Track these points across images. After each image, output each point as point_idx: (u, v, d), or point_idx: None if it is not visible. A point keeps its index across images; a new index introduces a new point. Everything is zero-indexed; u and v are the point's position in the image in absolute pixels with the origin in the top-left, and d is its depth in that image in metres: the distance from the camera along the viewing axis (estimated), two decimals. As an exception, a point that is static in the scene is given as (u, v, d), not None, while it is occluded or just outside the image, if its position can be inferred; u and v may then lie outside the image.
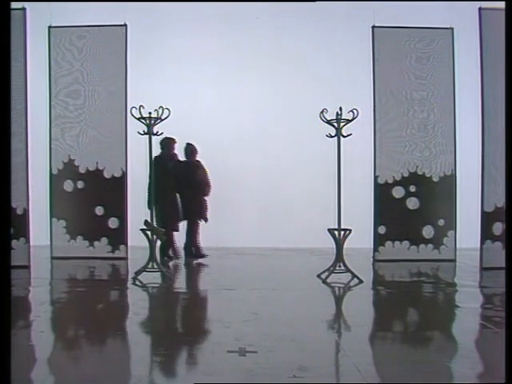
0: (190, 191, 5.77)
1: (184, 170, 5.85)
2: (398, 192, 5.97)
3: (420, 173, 5.97)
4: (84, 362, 2.73)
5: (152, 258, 4.85)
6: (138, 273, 4.84)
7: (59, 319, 3.58)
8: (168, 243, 5.75)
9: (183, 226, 5.96)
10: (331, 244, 4.92)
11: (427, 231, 5.97)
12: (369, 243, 6.03)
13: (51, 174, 6.05)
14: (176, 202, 5.82)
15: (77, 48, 6.00)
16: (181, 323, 3.51)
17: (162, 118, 4.84)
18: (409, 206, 5.96)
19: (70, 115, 6.04)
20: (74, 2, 6.07)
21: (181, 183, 5.80)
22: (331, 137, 4.86)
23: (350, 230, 4.80)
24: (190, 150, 5.92)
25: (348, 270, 4.81)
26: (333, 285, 4.63)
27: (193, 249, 5.96)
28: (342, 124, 4.79)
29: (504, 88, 3.61)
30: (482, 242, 5.49)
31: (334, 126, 4.82)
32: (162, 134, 4.95)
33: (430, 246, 5.99)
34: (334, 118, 4.79)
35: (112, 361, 2.75)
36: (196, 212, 5.84)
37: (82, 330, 3.33)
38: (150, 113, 4.81)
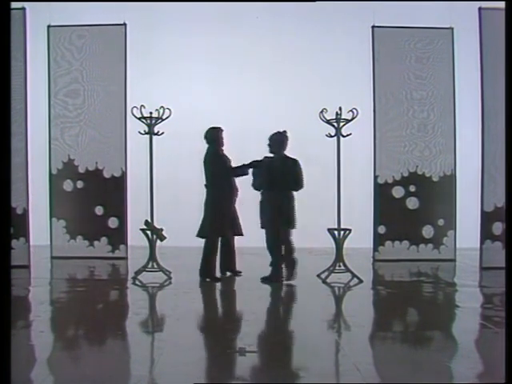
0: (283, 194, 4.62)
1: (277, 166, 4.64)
2: (397, 192, 5.98)
3: (420, 172, 5.98)
4: (84, 361, 2.72)
5: (152, 257, 4.85)
6: (137, 272, 4.84)
7: (59, 319, 3.57)
8: (233, 255, 4.92)
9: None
10: (331, 244, 4.92)
11: (427, 231, 5.97)
12: (369, 243, 6.03)
13: (51, 174, 6.06)
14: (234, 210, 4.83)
15: (76, 47, 6.01)
16: (180, 322, 3.51)
17: (163, 117, 4.84)
18: (408, 206, 5.97)
19: (69, 115, 6.05)
20: (73, 1, 6.07)
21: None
22: (331, 136, 4.86)
23: (350, 230, 4.81)
24: (281, 140, 4.68)
25: (348, 270, 4.81)
26: (333, 285, 4.63)
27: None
28: (341, 124, 4.79)
29: (504, 88, 3.61)
30: (482, 242, 5.50)
31: (333, 125, 4.82)
32: (162, 133, 4.94)
33: (430, 245, 5.99)
34: (334, 117, 4.78)
35: (111, 361, 2.75)
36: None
37: (81, 329, 3.33)
38: (151, 112, 4.81)
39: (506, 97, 3.39)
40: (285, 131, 4.78)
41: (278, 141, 4.74)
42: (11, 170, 4.60)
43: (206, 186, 4.79)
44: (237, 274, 4.98)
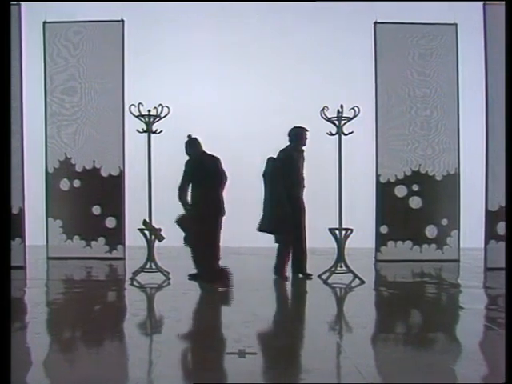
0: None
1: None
2: (400, 191, 5.97)
3: (423, 171, 5.97)
4: (81, 364, 2.71)
5: (150, 258, 4.84)
6: (135, 273, 4.83)
7: (55, 321, 3.56)
8: (304, 257, 4.95)
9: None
10: (332, 244, 4.91)
11: (430, 231, 5.96)
12: (371, 243, 6.03)
13: (47, 173, 6.05)
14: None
15: (73, 44, 5.99)
16: (182, 323, 3.50)
17: (162, 115, 4.83)
18: (411, 206, 5.96)
19: (66, 113, 6.04)
20: (72, 1, 6.03)
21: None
22: (332, 135, 4.84)
23: (352, 230, 4.80)
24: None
25: (349, 271, 4.79)
26: (334, 285, 4.62)
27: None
28: (343, 122, 4.78)
29: (504, 87, 3.59)
30: (487, 242, 5.48)
31: (334, 123, 4.81)
32: (161, 131, 4.93)
33: (433, 245, 5.98)
34: (335, 115, 4.78)
35: (109, 363, 2.74)
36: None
37: (78, 331, 3.31)
38: (149, 110, 4.80)
39: (506, 97, 3.38)
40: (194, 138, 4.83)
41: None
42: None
43: (274, 181, 4.85)
44: (308, 276, 4.91)
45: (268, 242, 5.69)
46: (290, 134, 5.00)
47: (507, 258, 2.93)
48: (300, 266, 4.95)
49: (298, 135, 4.96)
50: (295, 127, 5.00)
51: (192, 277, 4.81)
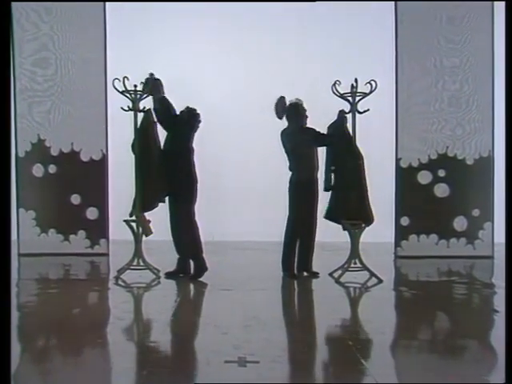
0: None
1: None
2: (424, 177, 5.96)
3: (451, 154, 5.95)
4: (57, 377, 2.70)
5: (137, 253, 4.84)
6: (121, 271, 4.84)
7: (28, 327, 3.56)
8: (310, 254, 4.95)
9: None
10: (345, 238, 4.91)
11: (459, 223, 5.97)
12: (390, 237, 6.05)
13: (17, 157, 6.05)
14: None
15: (44, 8, 5.95)
16: (175, 328, 3.49)
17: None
18: (437, 194, 5.96)
19: (38, 88, 6.01)
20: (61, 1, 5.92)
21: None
22: (345, 113, 4.81)
23: (368, 222, 4.80)
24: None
25: (365, 268, 4.80)
26: (347, 285, 4.63)
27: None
28: (357, 98, 4.76)
29: (504, 86, 3.57)
30: (524, 236, 5.47)
31: (348, 100, 4.80)
32: (149, 110, 4.89)
33: (463, 240, 5.99)
34: (349, 91, 4.76)
35: (89, 375, 2.73)
36: None
37: (54, 339, 3.31)
38: (135, 85, 4.77)
39: (506, 97, 3.37)
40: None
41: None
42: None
43: (289, 168, 4.86)
44: (314, 275, 4.92)
45: (271, 235, 5.67)
46: (278, 108, 4.87)
47: (507, 258, 2.97)
48: (306, 262, 4.94)
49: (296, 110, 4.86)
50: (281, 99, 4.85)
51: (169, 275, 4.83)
